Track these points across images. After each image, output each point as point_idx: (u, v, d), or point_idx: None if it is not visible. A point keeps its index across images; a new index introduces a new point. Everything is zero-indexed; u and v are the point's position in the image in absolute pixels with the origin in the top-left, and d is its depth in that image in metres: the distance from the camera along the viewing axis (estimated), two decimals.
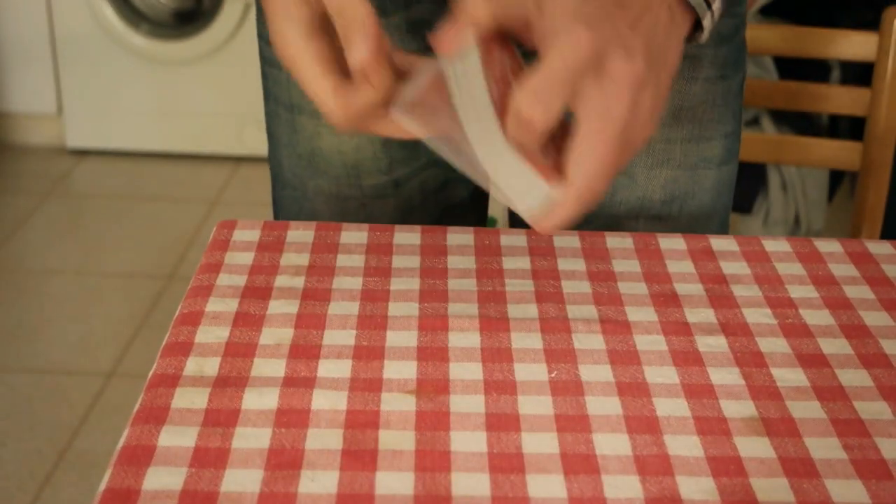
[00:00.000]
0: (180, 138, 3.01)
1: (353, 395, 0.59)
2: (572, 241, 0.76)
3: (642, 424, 0.57)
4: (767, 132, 2.29)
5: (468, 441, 0.55)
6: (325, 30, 0.60)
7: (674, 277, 0.72)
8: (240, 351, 0.63)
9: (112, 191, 2.86)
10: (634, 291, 0.70)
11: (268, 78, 0.92)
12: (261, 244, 0.74)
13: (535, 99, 0.55)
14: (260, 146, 2.96)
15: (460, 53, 0.57)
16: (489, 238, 0.76)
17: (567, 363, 0.62)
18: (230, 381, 0.60)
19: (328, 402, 0.58)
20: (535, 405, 0.58)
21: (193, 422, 0.57)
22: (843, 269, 0.74)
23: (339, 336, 0.64)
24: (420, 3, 0.84)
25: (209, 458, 0.54)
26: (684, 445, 0.56)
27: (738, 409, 0.59)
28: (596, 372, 0.61)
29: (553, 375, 0.61)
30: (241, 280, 0.70)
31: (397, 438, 0.56)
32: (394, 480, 0.53)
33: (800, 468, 0.54)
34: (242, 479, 0.53)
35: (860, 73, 2.24)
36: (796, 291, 0.71)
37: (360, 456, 0.54)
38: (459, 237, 0.76)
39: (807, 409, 0.59)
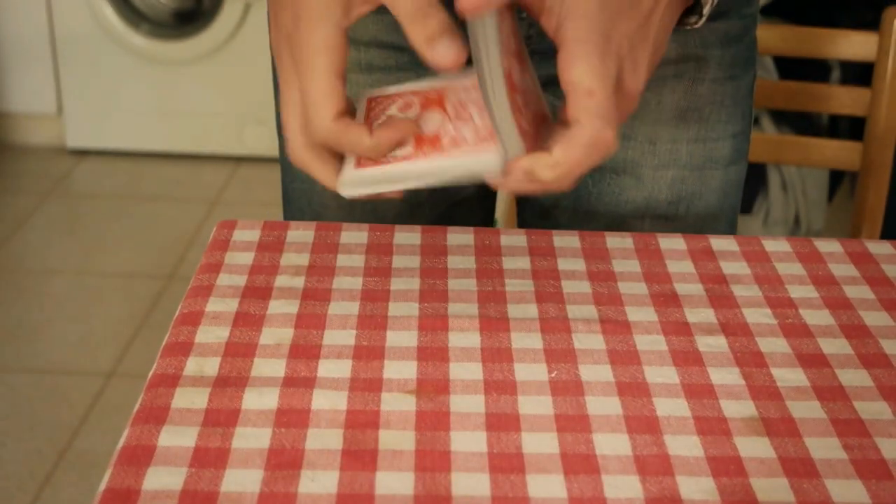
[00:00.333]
0: (180, 138, 3.01)
1: (353, 395, 0.59)
2: (572, 241, 0.76)
3: (642, 424, 0.57)
4: (767, 132, 2.29)
5: (468, 441, 0.55)
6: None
7: (674, 277, 0.72)
8: (240, 351, 0.63)
9: (112, 191, 2.86)
10: (634, 291, 0.70)
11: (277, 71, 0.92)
12: (261, 244, 0.74)
13: (555, 176, 0.57)
14: (260, 146, 2.96)
15: (484, 15, 0.56)
16: (489, 238, 0.76)
17: (567, 363, 0.62)
18: (230, 381, 0.60)
19: (328, 402, 0.58)
20: (535, 405, 0.58)
21: (193, 422, 0.57)
22: (843, 269, 0.74)
23: (339, 336, 0.64)
24: None
25: (209, 458, 0.54)
26: (684, 445, 0.56)
27: (738, 409, 0.59)
28: (596, 372, 0.61)
29: (553, 375, 0.61)
30: (241, 280, 0.70)
31: (397, 438, 0.56)
32: (394, 480, 0.53)
33: (800, 468, 0.54)
34: (242, 479, 0.53)
35: (860, 73, 2.24)
36: (796, 291, 0.71)
37: (360, 456, 0.54)
38: (459, 237, 0.76)
39: (807, 409, 0.59)
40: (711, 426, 0.57)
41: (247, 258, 0.73)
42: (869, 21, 2.08)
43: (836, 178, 2.42)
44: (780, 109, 2.17)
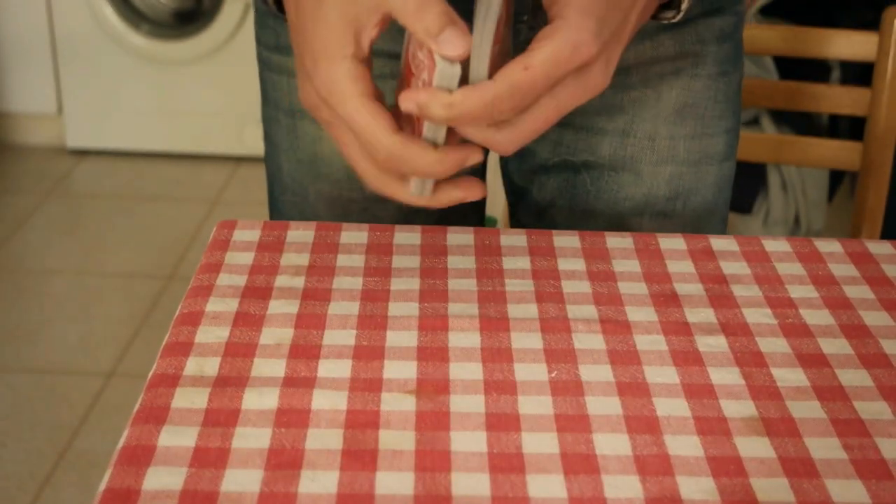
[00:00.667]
0: (180, 138, 3.02)
1: (353, 395, 0.59)
2: (572, 241, 0.76)
3: (642, 424, 0.57)
4: (767, 132, 2.29)
5: (468, 441, 0.55)
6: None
7: (674, 277, 0.72)
8: (240, 351, 0.63)
9: (112, 191, 2.86)
10: (634, 291, 0.70)
11: (266, 83, 0.92)
12: (261, 244, 0.74)
13: (512, 99, 0.56)
14: (260, 146, 2.96)
15: None
16: (489, 238, 0.76)
17: (567, 363, 0.62)
18: (230, 381, 0.60)
19: (328, 402, 0.58)
20: (535, 405, 0.58)
21: (193, 422, 0.57)
22: (843, 269, 0.74)
23: (339, 336, 0.64)
24: None
25: (209, 458, 0.54)
26: (684, 445, 0.56)
27: (738, 408, 0.59)
28: (596, 372, 0.61)
29: (553, 375, 0.61)
30: (241, 280, 0.70)
31: (397, 438, 0.56)
32: (394, 480, 0.53)
33: (800, 468, 0.54)
34: (242, 479, 0.53)
35: (860, 73, 2.25)
36: (796, 291, 0.71)
37: (360, 456, 0.54)
38: (459, 237, 0.76)
39: (807, 409, 0.59)
40: (711, 426, 0.57)
41: (247, 258, 0.73)
42: (869, 21, 2.08)
43: (836, 178, 2.42)
44: (780, 109, 2.17)
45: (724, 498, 0.52)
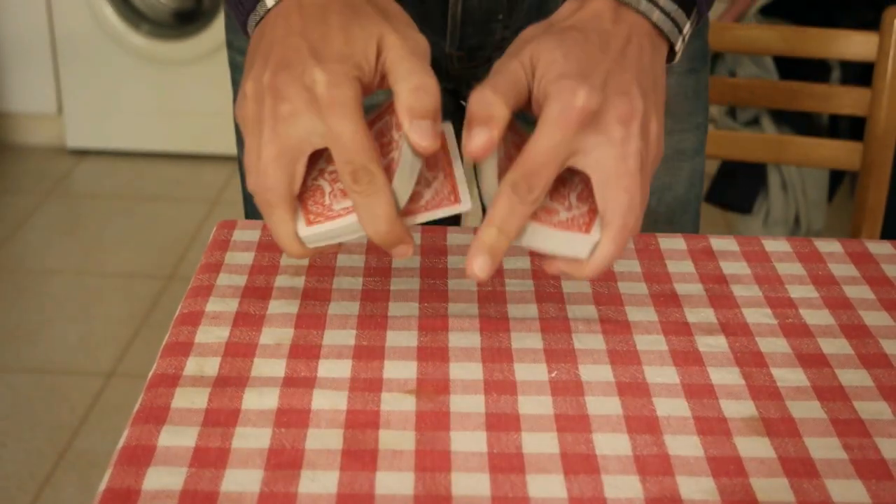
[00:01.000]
0: (180, 138, 3.01)
1: (353, 395, 0.59)
2: None
3: (642, 424, 0.57)
4: (767, 132, 2.29)
5: (468, 441, 0.55)
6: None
7: (674, 277, 0.72)
8: (240, 351, 0.63)
9: (112, 191, 2.86)
10: (634, 291, 0.70)
11: (238, 86, 0.92)
12: (261, 244, 0.74)
13: (525, 182, 0.58)
14: None
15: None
16: None
17: (567, 363, 0.62)
18: (230, 381, 0.60)
19: (328, 402, 0.58)
20: (535, 405, 0.58)
21: (193, 422, 0.57)
22: (843, 269, 0.74)
23: (339, 336, 0.64)
24: None
25: (209, 458, 0.54)
26: (684, 445, 0.56)
27: (738, 408, 0.59)
28: (596, 372, 0.61)
29: (553, 375, 0.61)
30: (241, 280, 0.70)
31: (397, 438, 0.56)
32: (394, 480, 0.53)
33: (800, 468, 0.54)
34: (242, 479, 0.53)
35: (860, 73, 2.24)
36: (796, 291, 0.71)
37: (360, 456, 0.54)
38: (459, 237, 0.76)
39: (807, 409, 0.59)
40: (711, 426, 0.57)
41: (247, 258, 0.73)
42: (869, 21, 2.08)
43: (837, 178, 2.42)
44: (781, 109, 2.17)
45: (724, 498, 0.52)
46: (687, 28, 0.66)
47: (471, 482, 0.53)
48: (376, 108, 0.65)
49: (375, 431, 0.56)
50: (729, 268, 0.73)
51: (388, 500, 0.52)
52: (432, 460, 0.54)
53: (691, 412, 0.58)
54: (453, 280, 0.70)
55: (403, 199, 0.60)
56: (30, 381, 2.06)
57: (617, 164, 0.59)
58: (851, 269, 0.74)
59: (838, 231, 2.59)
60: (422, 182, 0.62)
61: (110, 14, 2.85)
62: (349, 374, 0.61)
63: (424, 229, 0.76)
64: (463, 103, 0.95)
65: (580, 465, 0.54)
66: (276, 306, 0.67)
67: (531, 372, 0.61)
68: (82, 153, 3.05)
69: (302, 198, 0.62)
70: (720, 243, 0.76)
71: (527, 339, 0.64)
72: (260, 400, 0.58)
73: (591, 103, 0.58)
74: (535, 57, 0.61)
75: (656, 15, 0.64)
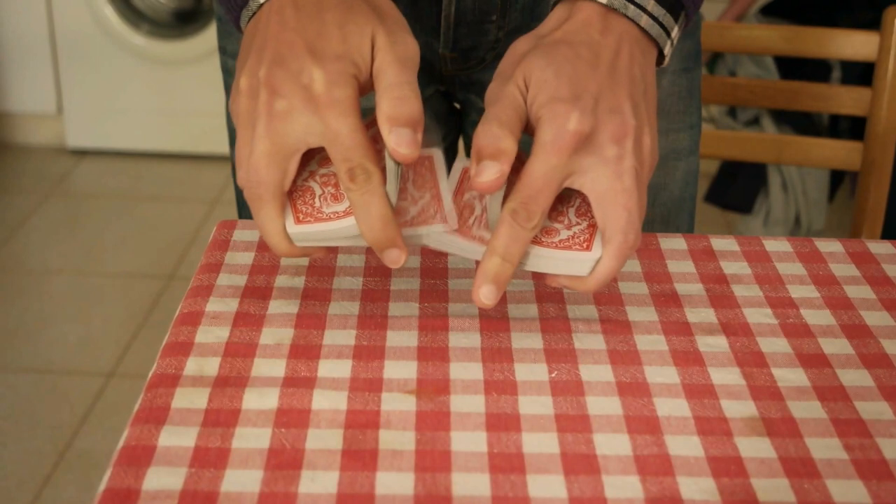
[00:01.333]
0: (180, 138, 3.01)
1: (353, 395, 0.59)
2: None
3: (643, 424, 0.57)
4: (768, 132, 2.29)
5: (468, 441, 0.55)
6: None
7: (674, 277, 0.72)
8: (240, 351, 0.63)
9: (112, 191, 2.86)
10: (635, 291, 0.70)
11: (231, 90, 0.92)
12: (261, 244, 0.74)
13: (525, 210, 0.59)
14: None
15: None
16: None
17: (567, 363, 0.62)
18: (230, 381, 0.60)
19: (328, 402, 0.58)
20: (536, 405, 0.58)
21: (193, 422, 0.56)
22: (843, 269, 0.74)
23: (339, 336, 0.64)
24: None
25: (209, 458, 0.54)
26: (685, 445, 0.56)
27: (738, 409, 0.59)
28: (596, 372, 0.61)
29: (553, 375, 0.61)
30: (241, 280, 0.70)
31: (397, 438, 0.56)
32: (394, 480, 0.53)
33: (801, 468, 0.54)
34: (242, 479, 0.53)
35: (861, 73, 2.24)
36: (797, 291, 0.71)
37: (360, 456, 0.54)
38: None
39: (808, 410, 0.59)
40: (712, 426, 0.57)
41: (247, 258, 0.73)
42: (869, 21, 2.08)
43: (837, 178, 2.42)
44: (781, 109, 2.17)
45: (725, 498, 0.52)
46: (675, 32, 0.67)
47: (471, 482, 0.53)
48: (370, 115, 0.65)
49: (375, 431, 0.56)
50: (729, 268, 0.73)
51: (388, 500, 0.51)
52: (432, 460, 0.54)
53: (692, 412, 0.58)
54: (453, 280, 0.70)
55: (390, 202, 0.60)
56: (30, 381, 2.06)
57: (613, 182, 0.60)
58: (852, 269, 0.74)
59: (839, 231, 2.59)
60: (408, 199, 0.63)
61: (110, 14, 2.85)
62: (349, 374, 0.61)
63: None
64: (456, 106, 0.95)
65: (580, 465, 0.54)
66: (276, 306, 0.67)
67: (531, 372, 0.61)
68: (82, 153, 3.05)
69: (291, 197, 0.62)
70: (720, 243, 0.76)
71: (527, 339, 0.64)
72: (260, 400, 0.58)
73: (584, 127, 0.59)
74: (528, 77, 0.61)
75: (644, 20, 0.64)
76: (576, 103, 0.59)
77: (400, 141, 0.59)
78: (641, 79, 0.63)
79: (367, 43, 0.60)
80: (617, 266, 0.61)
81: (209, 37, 2.87)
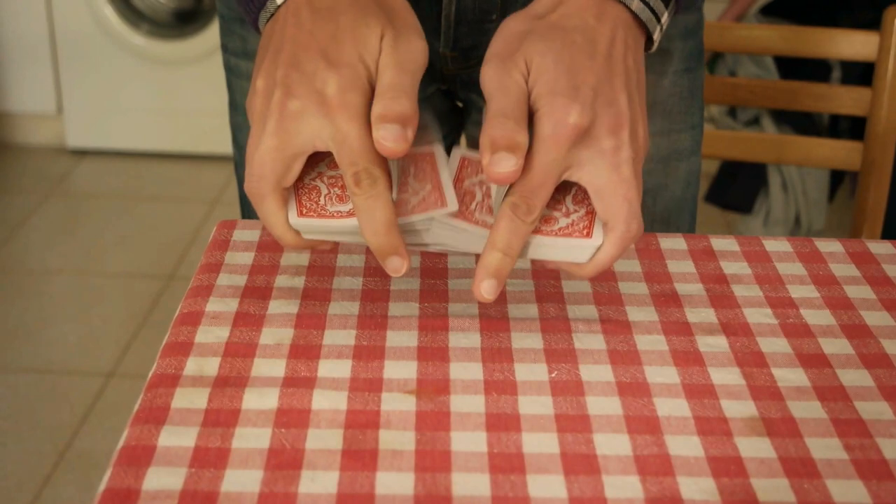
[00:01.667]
0: (180, 138, 3.01)
1: (353, 395, 0.59)
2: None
3: (643, 424, 0.57)
4: (768, 132, 2.29)
5: (468, 441, 0.55)
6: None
7: (674, 277, 0.72)
8: (240, 351, 0.63)
9: (112, 191, 2.86)
10: (635, 291, 0.70)
11: (235, 90, 0.92)
12: (261, 244, 0.74)
13: (525, 203, 0.60)
14: None
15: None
16: None
17: (567, 363, 0.62)
18: (230, 381, 0.60)
19: (328, 402, 0.58)
20: (536, 405, 0.58)
21: (193, 422, 0.56)
22: (843, 269, 0.74)
23: (339, 336, 0.64)
24: None
25: (209, 458, 0.54)
26: (685, 445, 0.56)
27: (738, 409, 0.59)
28: (596, 372, 0.61)
29: (553, 375, 0.61)
30: (241, 280, 0.70)
31: (397, 438, 0.55)
32: (394, 480, 0.53)
33: (801, 468, 0.54)
34: (242, 479, 0.53)
35: (861, 73, 2.25)
36: (797, 291, 0.71)
37: (360, 456, 0.54)
38: None
39: (808, 410, 0.59)
40: (712, 426, 0.57)
41: (247, 258, 0.73)
42: (869, 21, 2.08)
43: (837, 178, 2.42)
44: (781, 109, 2.17)
45: (725, 498, 0.52)
46: (665, 18, 0.67)
47: (471, 482, 0.53)
48: None
49: (375, 431, 0.56)
50: (729, 268, 0.73)
51: (388, 500, 0.51)
52: (432, 460, 0.54)
53: (692, 412, 0.58)
54: (453, 280, 0.70)
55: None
56: (30, 381, 2.06)
57: (611, 174, 0.61)
58: (852, 269, 0.74)
59: (839, 231, 2.59)
60: (409, 191, 0.63)
61: (110, 14, 2.85)
62: (349, 374, 0.61)
63: None
64: (459, 104, 0.95)
65: (580, 465, 0.54)
66: (276, 306, 0.67)
67: (531, 372, 0.61)
68: (82, 153, 3.05)
69: (297, 192, 0.63)
70: (721, 243, 0.76)
71: (527, 339, 0.64)
72: (260, 400, 0.58)
73: (584, 121, 0.59)
74: (529, 62, 0.62)
75: (636, 4, 0.65)
76: (575, 96, 0.60)
77: (386, 135, 0.59)
78: (635, 68, 0.64)
79: (378, 46, 0.61)
80: (617, 254, 0.62)
81: (209, 37, 2.87)
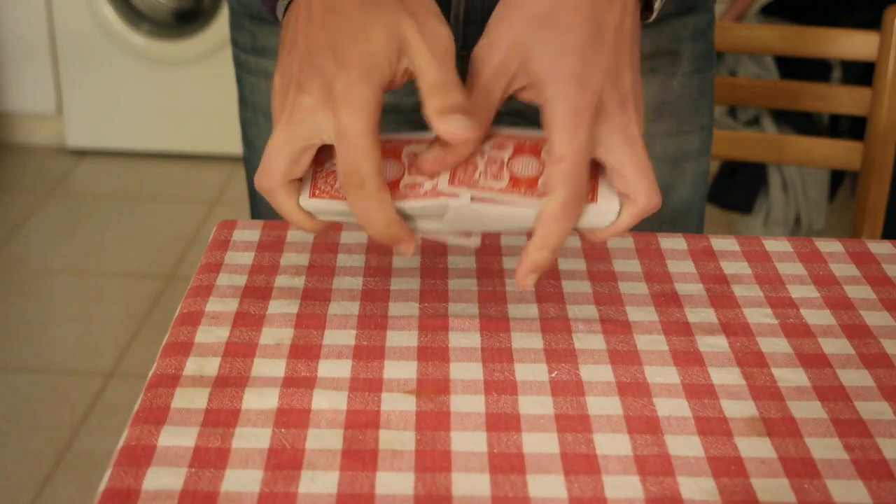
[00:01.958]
0: (180, 138, 3.01)
1: (353, 395, 0.59)
2: (572, 240, 0.75)
3: (643, 424, 0.57)
4: (768, 132, 2.29)
5: (468, 441, 0.55)
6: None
7: (674, 277, 0.72)
8: (240, 351, 0.63)
9: (112, 191, 2.86)
10: (635, 291, 0.70)
11: (244, 85, 0.92)
12: (261, 244, 0.74)
13: (576, 199, 0.60)
14: None
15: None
16: (489, 238, 0.76)
17: (567, 363, 0.62)
18: (230, 381, 0.60)
19: (328, 402, 0.58)
20: (536, 405, 0.58)
21: (193, 422, 0.56)
22: (844, 269, 0.74)
23: (339, 336, 0.64)
24: None
25: (209, 458, 0.54)
26: (685, 445, 0.56)
27: (738, 409, 0.59)
28: (596, 372, 0.61)
29: (553, 375, 0.61)
30: (241, 280, 0.70)
31: (397, 438, 0.55)
32: (394, 480, 0.53)
33: (801, 468, 0.54)
34: (242, 479, 0.53)
35: (861, 73, 2.24)
36: (797, 291, 0.71)
37: (360, 456, 0.54)
38: None
39: (808, 410, 0.59)
40: (712, 426, 0.57)
41: (247, 258, 0.73)
42: (870, 20, 2.08)
43: (837, 178, 2.42)
44: (781, 109, 2.17)
45: (725, 498, 0.52)
46: None
47: (471, 482, 0.53)
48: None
49: (375, 431, 0.56)
50: (729, 268, 0.73)
51: (388, 500, 0.51)
52: (432, 460, 0.54)
53: (692, 412, 0.58)
54: (453, 280, 0.70)
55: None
56: (30, 381, 2.06)
57: (626, 149, 0.61)
58: (852, 269, 0.74)
59: (839, 231, 2.59)
60: (414, 173, 0.63)
61: (110, 14, 2.85)
62: (349, 374, 0.61)
63: None
64: None
65: (580, 465, 0.54)
66: (276, 306, 0.67)
67: (531, 372, 0.61)
68: (82, 153, 3.05)
69: (315, 176, 0.64)
70: (721, 243, 0.76)
71: (527, 339, 0.64)
72: (260, 400, 0.58)
73: (596, 99, 0.59)
74: (526, 53, 0.61)
75: None
76: (587, 81, 0.60)
77: (449, 126, 0.59)
78: (635, 41, 0.64)
79: (394, 45, 0.60)
80: (633, 223, 0.63)
81: (209, 37, 2.87)
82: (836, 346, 0.65)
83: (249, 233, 0.76)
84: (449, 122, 0.59)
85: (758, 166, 2.35)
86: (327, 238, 0.75)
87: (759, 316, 0.68)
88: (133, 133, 3.01)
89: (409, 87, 0.63)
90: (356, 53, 0.60)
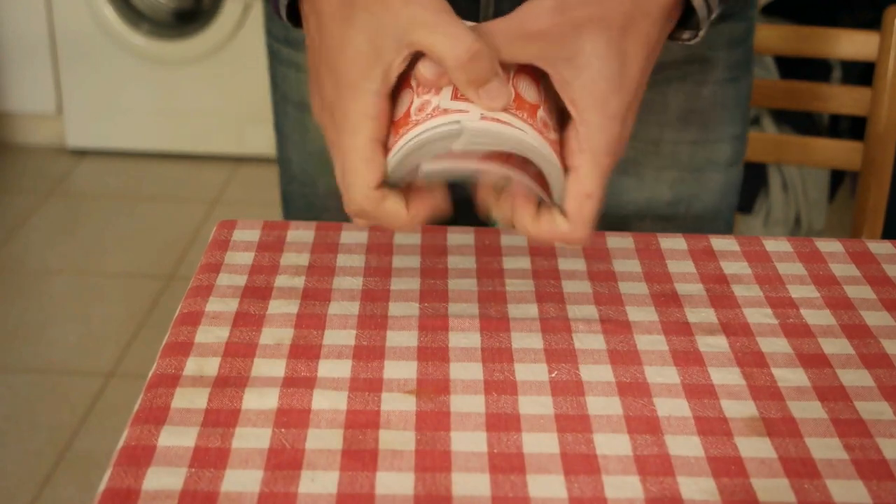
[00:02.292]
0: (180, 138, 3.01)
1: (353, 395, 0.59)
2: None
3: (643, 424, 0.57)
4: (768, 132, 2.29)
5: (468, 441, 0.55)
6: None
7: (674, 277, 0.72)
8: (240, 351, 0.63)
9: (112, 191, 2.86)
10: (635, 291, 0.70)
11: (276, 74, 0.92)
12: (261, 244, 0.74)
13: (584, 225, 0.59)
14: (260, 146, 2.96)
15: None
16: (489, 238, 0.76)
17: (567, 363, 0.62)
18: (230, 381, 0.60)
19: (328, 402, 0.58)
20: (536, 405, 0.58)
21: (193, 422, 0.56)
22: (844, 269, 0.74)
23: (339, 336, 0.64)
24: None
25: (209, 458, 0.54)
26: (685, 445, 0.56)
27: (738, 409, 0.59)
28: (596, 372, 0.61)
29: (553, 375, 0.61)
30: (241, 280, 0.70)
31: (397, 438, 0.55)
32: (394, 480, 0.53)
33: (801, 468, 0.54)
34: (242, 479, 0.53)
35: (861, 73, 2.24)
36: (797, 291, 0.71)
37: (360, 456, 0.54)
38: (459, 237, 0.76)
39: (808, 410, 0.59)
40: (712, 426, 0.57)
41: (247, 258, 0.73)
42: (870, 20, 2.08)
43: (837, 178, 2.42)
44: (781, 109, 2.17)
45: (725, 498, 0.52)
46: (717, 11, 0.64)
47: (471, 482, 0.53)
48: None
49: (375, 431, 0.56)
50: (729, 268, 0.73)
51: (388, 500, 0.51)
52: (432, 460, 0.54)
53: (692, 412, 0.58)
54: (453, 280, 0.70)
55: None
56: (30, 381, 2.06)
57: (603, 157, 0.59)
58: (852, 269, 0.74)
59: (839, 231, 2.59)
60: (420, 93, 0.59)
61: (110, 14, 2.85)
62: (349, 374, 0.61)
63: (425, 229, 0.76)
64: None
65: (580, 465, 0.54)
66: (276, 306, 0.67)
67: (531, 372, 0.61)
68: (82, 153, 3.05)
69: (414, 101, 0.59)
70: (721, 243, 0.76)
71: (527, 339, 0.64)
72: (260, 400, 0.58)
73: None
74: (577, 56, 0.58)
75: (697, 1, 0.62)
76: (626, 127, 0.59)
77: (488, 96, 0.56)
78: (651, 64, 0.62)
79: (402, 52, 0.58)
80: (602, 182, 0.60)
81: (209, 37, 2.87)
82: (836, 346, 0.65)
83: (249, 233, 0.76)
84: (485, 93, 0.56)
85: (758, 166, 2.34)
86: (327, 238, 0.75)
87: (759, 316, 0.68)
88: (133, 133, 3.01)
89: None
90: (352, 75, 0.58)
